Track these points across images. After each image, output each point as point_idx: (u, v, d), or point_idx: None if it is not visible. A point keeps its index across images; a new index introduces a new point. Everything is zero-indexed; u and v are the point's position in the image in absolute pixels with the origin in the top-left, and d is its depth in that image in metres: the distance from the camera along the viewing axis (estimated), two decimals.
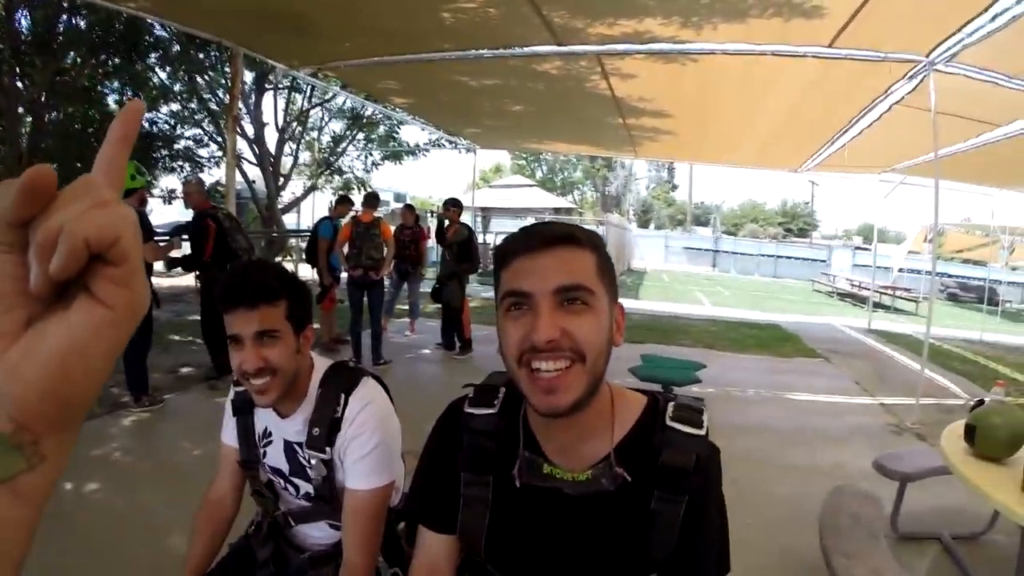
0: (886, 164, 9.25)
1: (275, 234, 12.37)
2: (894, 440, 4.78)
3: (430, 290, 7.45)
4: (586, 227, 0.94)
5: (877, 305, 14.57)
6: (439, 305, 7.16)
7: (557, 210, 21.94)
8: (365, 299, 6.27)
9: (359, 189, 13.55)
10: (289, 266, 13.94)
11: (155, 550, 2.48)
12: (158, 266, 5.97)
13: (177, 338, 7.01)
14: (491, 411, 1.04)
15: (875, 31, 4.03)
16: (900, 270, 17.65)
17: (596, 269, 0.89)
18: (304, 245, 8.19)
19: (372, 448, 1.41)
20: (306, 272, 8.25)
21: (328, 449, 1.43)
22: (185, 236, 5.16)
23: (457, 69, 6.09)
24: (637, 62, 5.20)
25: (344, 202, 6.97)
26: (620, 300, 0.96)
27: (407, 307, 8.28)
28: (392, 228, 6.71)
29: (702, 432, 0.95)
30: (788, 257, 32.11)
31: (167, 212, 12.29)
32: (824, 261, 29.39)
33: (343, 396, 1.45)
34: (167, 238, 5.47)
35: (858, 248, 30.70)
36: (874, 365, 7.88)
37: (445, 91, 7.29)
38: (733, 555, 1.00)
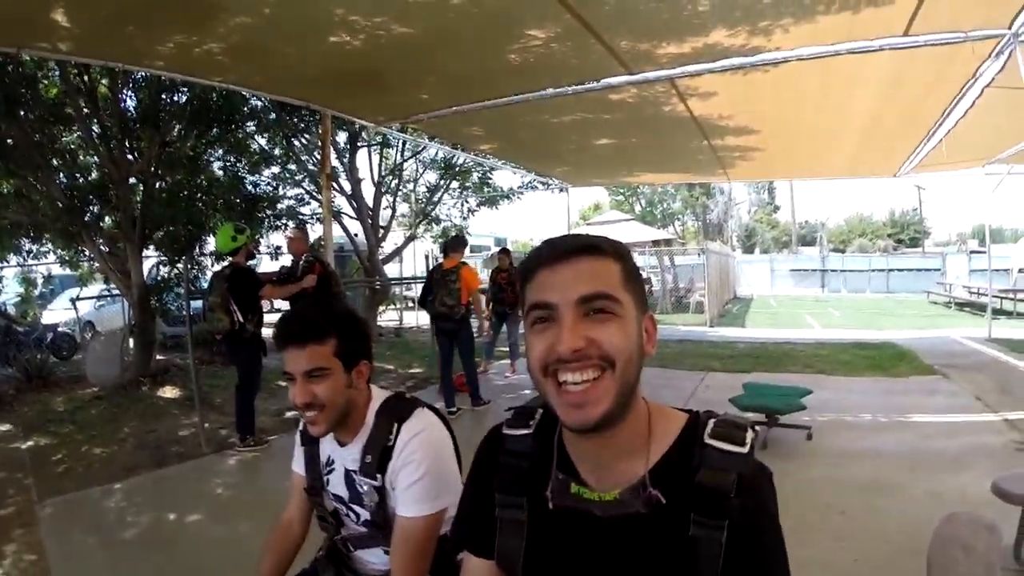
0: (989, 155, 8.51)
1: (377, 284, 12.87)
2: (1020, 459, 4.30)
3: None
4: (613, 239, 0.91)
5: (997, 312, 13.36)
6: None
7: (656, 242, 21.38)
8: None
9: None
10: (393, 314, 14.54)
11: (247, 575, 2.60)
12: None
13: (283, 384, 7.36)
14: (526, 431, 1.02)
15: (950, 9, 3.73)
16: (1021, 270, 16.06)
17: (621, 278, 0.87)
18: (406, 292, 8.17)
19: (421, 476, 1.43)
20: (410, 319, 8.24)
21: (380, 476, 1.47)
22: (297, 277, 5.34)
23: (535, 108, 6.17)
24: (712, 79, 5.07)
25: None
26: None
27: (507, 349, 8.33)
28: (480, 272, 6.66)
29: (744, 450, 0.87)
30: (900, 270, 29.70)
31: (274, 267, 13.09)
32: (939, 270, 27.02)
33: (396, 425, 1.49)
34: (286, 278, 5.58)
35: (974, 252, 28.01)
36: (996, 378, 7.15)
37: (527, 132, 7.42)
38: None
